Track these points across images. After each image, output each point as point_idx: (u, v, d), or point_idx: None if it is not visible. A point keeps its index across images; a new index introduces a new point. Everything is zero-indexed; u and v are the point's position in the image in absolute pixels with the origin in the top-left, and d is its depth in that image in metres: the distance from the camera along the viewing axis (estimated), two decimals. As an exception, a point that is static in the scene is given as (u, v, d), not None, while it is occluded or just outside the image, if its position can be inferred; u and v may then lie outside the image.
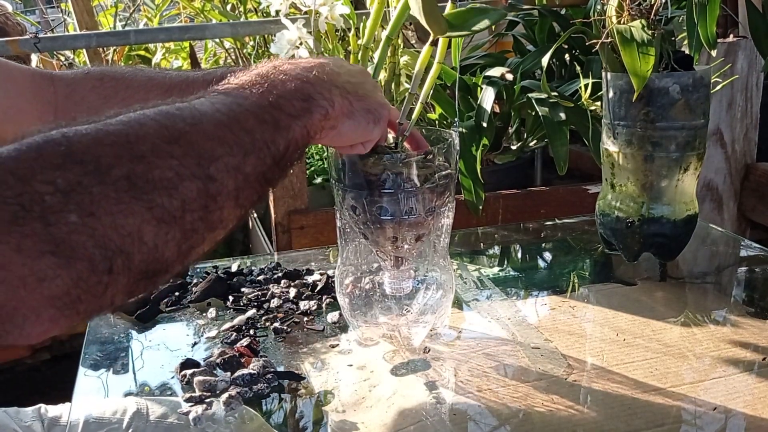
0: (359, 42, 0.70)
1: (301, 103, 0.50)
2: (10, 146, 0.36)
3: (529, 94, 1.22)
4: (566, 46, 1.33)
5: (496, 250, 1.10)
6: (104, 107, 0.72)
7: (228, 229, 0.44)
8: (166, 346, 0.78)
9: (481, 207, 1.21)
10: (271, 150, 0.46)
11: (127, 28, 2.25)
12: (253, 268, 0.98)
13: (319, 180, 1.53)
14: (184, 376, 0.71)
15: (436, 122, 1.33)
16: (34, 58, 2.12)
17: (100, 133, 0.39)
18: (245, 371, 0.70)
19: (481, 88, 1.26)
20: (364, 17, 0.69)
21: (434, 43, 0.66)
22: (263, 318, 0.83)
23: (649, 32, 0.78)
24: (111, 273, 0.37)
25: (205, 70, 0.76)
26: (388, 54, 1.01)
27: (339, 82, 0.55)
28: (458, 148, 0.70)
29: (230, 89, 0.48)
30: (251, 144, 0.45)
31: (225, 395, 0.66)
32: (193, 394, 0.67)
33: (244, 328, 0.81)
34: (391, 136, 0.70)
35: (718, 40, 1.29)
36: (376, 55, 0.71)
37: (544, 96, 1.17)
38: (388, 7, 0.72)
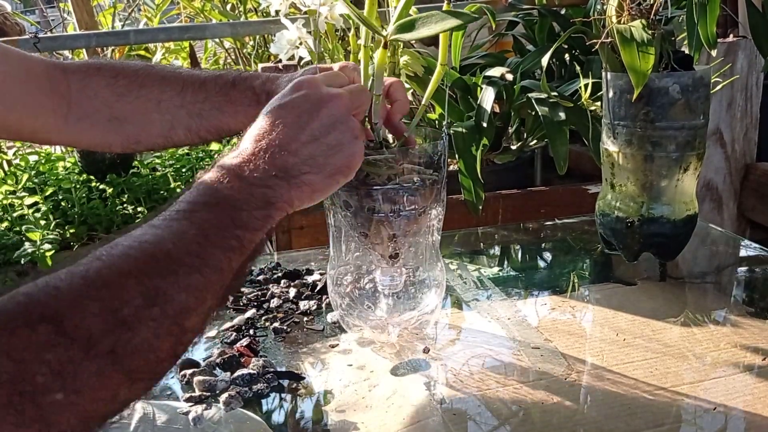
0: (359, 42, 0.70)
1: (262, 211, 0.52)
2: (1, 317, 0.38)
3: (529, 94, 1.22)
4: (566, 46, 1.33)
5: (496, 250, 1.10)
6: (117, 104, 0.74)
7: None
8: (166, 346, 0.78)
9: (481, 207, 1.21)
10: (233, 273, 0.49)
11: (126, 28, 2.25)
12: (252, 268, 0.97)
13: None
14: (184, 376, 0.71)
15: (436, 122, 1.33)
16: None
17: (88, 300, 0.41)
18: (245, 371, 0.70)
19: (481, 88, 1.26)
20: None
21: (385, 46, 0.66)
22: (263, 318, 0.83)
23: (649, 32, 0.78)
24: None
25: (216, 72, 0.76)
26: (388, 54, 1.01)
27: (296, 167, 0.54)
28: (446, 149, 0.69)
29: (195, 210, 0.49)
30: (218, 281, 0.47)
31: (225, 395, 0.66)
32: (193, 394, 0.67)
33: (243, 327, 0.81)
34: (390, 135, 0.70)
35: (718, 40, 1.29)
36: (376, 55, 0.71)
37: (544, 96, 1.17)
38: (388, 6, 0.71)
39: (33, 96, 0.70)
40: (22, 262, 1.56)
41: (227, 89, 0.74)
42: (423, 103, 0.72)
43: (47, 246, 1.58)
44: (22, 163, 1.88)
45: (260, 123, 0.56)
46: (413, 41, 1.60)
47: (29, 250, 1.55)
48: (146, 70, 0.76)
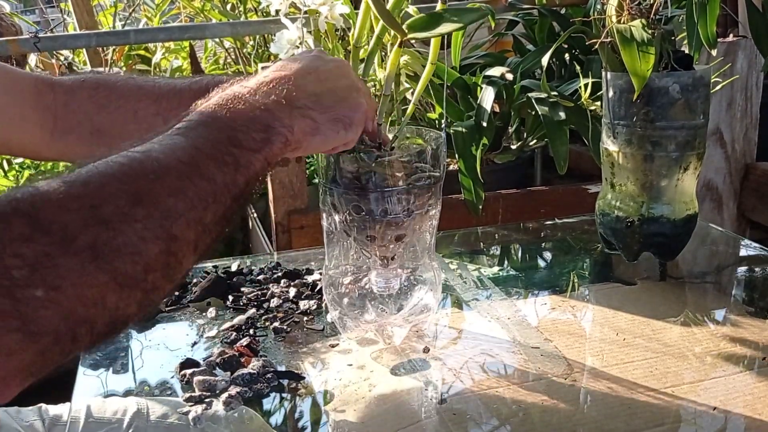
0: (363, 41, 0.70)
1: (261, 134, 0.51)
2: None
3: (529, 94, 1.22)
4: (566, 46, 1.33)
5: (496, 250, 1.10)
6: (98, 116, 0.74)
7: (186, 273, 0.46)
8: (166, 346, 0.78)
9: (481, 207, 1.21)
10: (231, 191, 0.47)
11: (127, 28, 2.25)
12: (252, 267, 0.98)
13: (319, 180, 1.52)
14: (184, 375, 0.71)
15: (437, 122, 1.33)
16: (33, 58, 2.12)
17: (66, 198, 0.39)
18: (245, 371, 0.70)
19: (481, 88, 1.26)
20: (372, 16, 0.69)
21: (401, 45, 0.65)
22: (263, 318, 0.83)
23: (649, 32, 0.78)
24: (74, 341, 0.38)
25: (191, 78, 0.77)
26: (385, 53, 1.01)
27: (301, 99, 0.54)
28: (445, 149, 0.69)
29: (190, 126, 0.48)
30: (212, 193, 0.46)
31: (225, 395, 0.66)
32: (193, 394, 0.67)
33: (243, 327, 0.81)
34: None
35: (718, 40, 1.29)
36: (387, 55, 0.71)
37: (543, 96, 1.17)
38: (402, 6, 0.71)
39: (19, 109, 0.71)
40: None
41: (201, 95, 0.74)
42: (413, 99, 0.72)
43: None
44: (27, 162, 1.88)
45: (269, 68, 0.57)
46: (413, 41, 1.60)
47: None
48: (125, 81, 0.76)
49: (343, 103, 0.57)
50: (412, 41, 1.66)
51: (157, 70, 2.33)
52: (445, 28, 0.63)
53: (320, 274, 0.93)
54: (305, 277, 0.94)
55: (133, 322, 0.42)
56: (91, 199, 0.40)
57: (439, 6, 0.65)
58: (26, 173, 1.82)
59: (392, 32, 0.72)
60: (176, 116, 0.73)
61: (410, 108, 0.71)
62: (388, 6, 0.68)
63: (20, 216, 0.38)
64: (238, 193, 0.48)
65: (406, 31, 0.65)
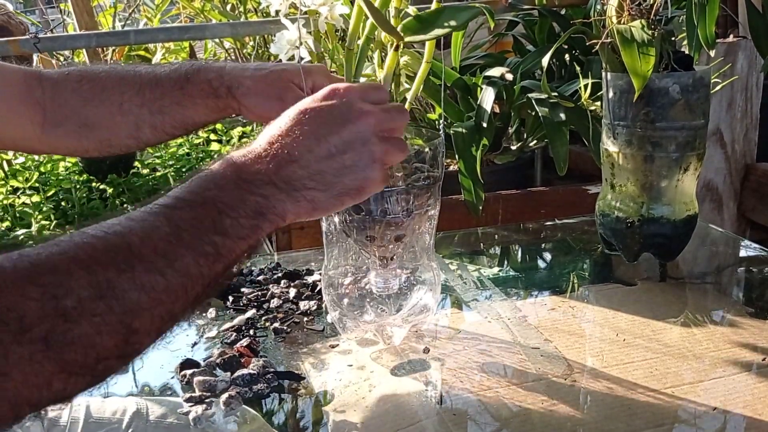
0: (359, 42, 0.70)
1: (250, 220, 0.48)
2: None
3: (529, 95, 1.22)
4: (566, 46, 1.33)
5: (496, 250, 1.10)
6: (85, 109, 0.74)
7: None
8: (166, 346, 0.78)
9: (481, 207, 1.21)
10: (206, 281, 0.46)
11: (126, 28, 2.25)
12: (252, 268, 0.97)
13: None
14: (184, 376, 0.71)
15: (436, 122, 1.33)
16: (34, 59, 2.12)
17: (29, 283, 0.39)
18: (245, 371, 0.70)
19: (481, 88, 1.26)
20: (364, 17, 0.69)
21: (397, 48, 0.65)
22: (263, 318, 0.83)
23: (649, 32, 0.78)
24: (17, 419, 0.39)
25: (172, 64, 0.76)
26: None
27: (302, 180, 0.51)
28: (443, 150, 0.69)
29: (177, 206, 0.46)
30: (183, 286, 0.44)
31: (225, 395, 0.66)
32: (193, 394, 0.67)
33: (243, 328, 0.81)
34: None
35: (718, 41, 1.29)
36: (376, 56, 0.71)
37: (544, 96, 1.17)
38: (388, 7, 0.71)
39: (9, 104, 0.71)
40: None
41: (182, 83, 0.73)
42: (410, 99, 0.72)
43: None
44: (28, 163, 1.88)
45: (280, 123, 0.53)
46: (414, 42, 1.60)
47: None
48: (107, 73, 0.75)
49: (350, 177, 0.53)
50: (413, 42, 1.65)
51: (158, 70, 2.33)
52: (439, 30, 0.63)
53: (320, 274, 0.93)
54: (305, 277, 0.94)
55: (79, 395, 0.42)
56: (54, 289, 0.39)
57: (434, 5, 0.65)
58: (33, 175, 1.82)
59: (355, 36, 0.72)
60: (161, 106, 0.73)
61: (407, 107, 0.71)
62: (391, 7, 0.68)
63: None
64: (212, 280, 0.47)
65: (402, 34, 0.64)
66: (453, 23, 0.63)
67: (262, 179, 0.50)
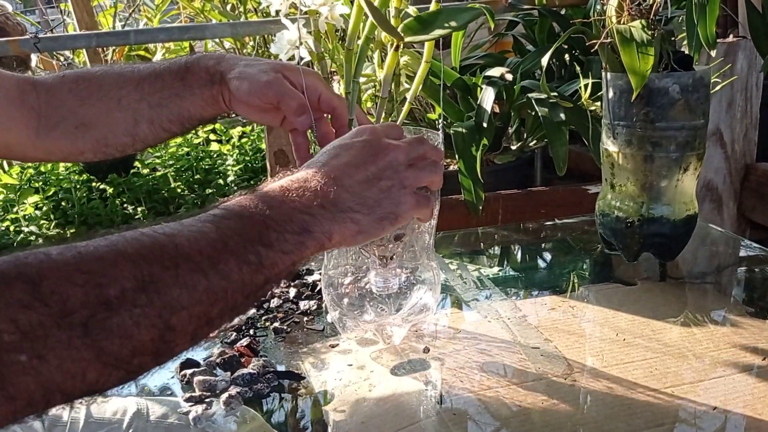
0: (358, 42, 0.70)
1: (296, 236, 0.50)
2: None
3: (529, 94, 1.22)
4: (566, 46, 1.33)
5: (496, 250, 1.10)
6: (81, 109, 0.73)
7: (177, 357, 0.46)
8: (166, 346, 0.78)
9: (481, 207, 1.21)
10: (246, 290, 0.47)
11: (127, 28, 2.25)
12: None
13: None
14: (184, 375, 0.71)
15: (436, 122, 1.33)
16: (34, 59, 2.12)
17: (75, 270, 0.40)
18: (245, 371, 0.70)
19: (481, 88, 1.26)
20: (363, 17, 0.69)
21: (398, 48, 0.65)
22: (263, 318, 0.83)
23: (649, 32, 0.78)
24: (47, 406, 0.39)
25: (171, 59, 0.76)
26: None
27: (346, 202, 0.53)
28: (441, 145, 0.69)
29: (225, 216, 0.48)
30: (224, 290, 0.45)
31: (225, 395, 0.66)
32: (193, 394, 0.67)
33: (244, 327, 0.81)
34: None
35: (718, 40, 1.29)
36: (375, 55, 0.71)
37: (543, 96, 1.17)
38: (388, 7, 0.71)
39: (3, 109, 0.70)
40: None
41: (182, 73, 0.73)
42: (409, 98, 0.72)
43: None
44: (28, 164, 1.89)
45: (320, 157, 0.57)
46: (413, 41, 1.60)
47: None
48: (104, 71, 0.75)
49: (387, 201, 0.56)
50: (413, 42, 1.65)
51: (157, 70, 2.33)
52: (439, 31, 0.63)
53: (320, 274, 0.93)
54: (305, 277, 0.94)
55: (110, 392, 0.43)
56: (99, 277, 0.40)
57: (433, 6, 0.65)
58: (29, 172, 1.82)
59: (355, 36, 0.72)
60: (160, 99, 0.73)
61: (406, 107, 0.71)
62: (391, 7, 0.69)
63: (23, 281, 0.38)
64: (253, 290, 0.47)
65: (402, 34, 0.64)
66: (453, 24, 0.63)
67: (309, 201, 0.52)
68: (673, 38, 0.84)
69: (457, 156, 1.19)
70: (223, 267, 0.45)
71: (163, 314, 0.42)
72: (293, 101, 0.69)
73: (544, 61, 1.06)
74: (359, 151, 0.57)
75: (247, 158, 2.06)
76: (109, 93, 0.73)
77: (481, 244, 1.13)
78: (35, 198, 1.77)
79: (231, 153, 2.08)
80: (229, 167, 2.03)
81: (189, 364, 0.73)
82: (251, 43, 2.10)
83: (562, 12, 1.42)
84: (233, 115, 0.76)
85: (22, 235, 1.64)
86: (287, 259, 0.49)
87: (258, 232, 0.48)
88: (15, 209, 1.73)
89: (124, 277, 0.41)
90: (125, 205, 1.88)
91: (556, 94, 1.17)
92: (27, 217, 1.70)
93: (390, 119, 0.76)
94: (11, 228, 1.68)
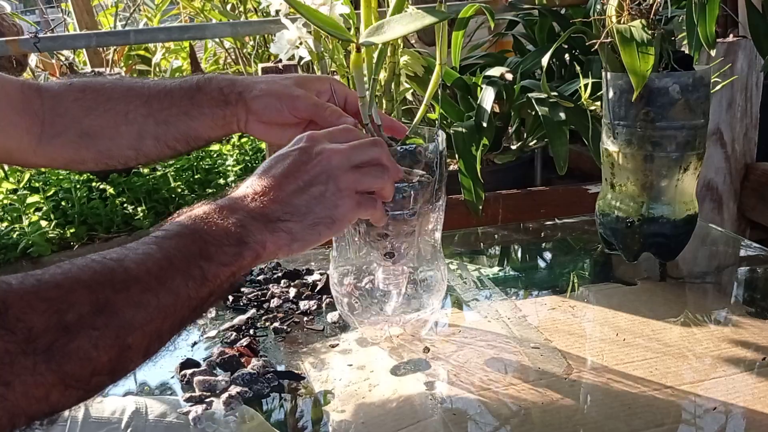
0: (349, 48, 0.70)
1: (233, 248, 0.52)
2: None
3: (529, 94, 1.22)
4: (566, 46, 1.33)
5: (496, 250, 1.10)
6: (87, 119, 0.73)
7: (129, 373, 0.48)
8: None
9: (481, 207, 1.21)
10: (192, 304, 0.49)
11: (127, 28, 2.25)
12: (252, 267, 0.97)
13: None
14: (184, 375, 0.71)
15: (436, 122, 1.33)
16: (34, 59, 2.12)
17: (36, 299, 0.41)
18: (245, 371, 0.70)
19: (481, 88, 1.26)
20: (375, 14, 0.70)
21: (358, 50, 0.66)
22: (263, 318, 0.83)
23: (649, 32, 0.78)
24: (12, 429, 0.40)
25: (182, 78, 0.76)
26: (388, 54, 1.01)
27: (276, 212, 0.56)
28: (438, 154, 0.69)
29: (167, 236, 0.50)
30: (173, 305, 0.47)
31: (225, 395, 0.66)
32: (193, 394, 0.67)
33: (243, 327, 0.81)
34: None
35: (718, 40, 1.29)
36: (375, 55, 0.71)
37: (544, 96, 1.17)
38: (388, 7, 0.71)
39: (5, 114, 0.70)
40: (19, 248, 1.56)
41: (192, 92, 0.73)
42: (424, 103, 0.72)
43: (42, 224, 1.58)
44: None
45: (257, 171, 0.59)
46: (414, 41, 1.60)
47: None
48: (113, 83, 0.75)
49: (320, 207, 0.57)
50: (413, 42, 1.65)
51: (157, 70, 2.33)
52: (389, 34, 0.64)
53: (320, 274, 0.93)
54: (305, 277, 0.94)
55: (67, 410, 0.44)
56: (59, 303, 0.42)
57: (437, 6, 0.65)
58: (27, 175, 1.82)
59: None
60: (168, 117, 0.73)
61: (422, 109, 0.71)
62: (391, 8, 0.69)
63: None
64: (198, 304, 0.50)
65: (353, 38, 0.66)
66: (409, 27, 0.64)
67: (242, 215, 0.54)
68: (673, 38, 0.84)
69: (457, 156, 1.19)
70: (171, 284, 0.48)
71: (119, 334, 0.44)
72: (326, 111, 0.70)
73: (544, 60, 1.06)
74: (293, 161, 0.58)
75: (247, 158, 2.06)
76: (116, 106, 0.73)
77: (481, 244, 1.13)
78: (35, 198, 1.77)
79: (231, 153, 2.08)
80: (229, 167, 2.03)
81: (189, 364, 0.73)
82: (251, 42, 2.10)
83: (562, 12, 1.41)
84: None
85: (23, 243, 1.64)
86: (227, 271, 0.52)
87: (198, 248, 0.50)
88: (18, 215, 1.73)
89: (80, 303, 0.43)
90: (125, 205, 1.88)
91: (556, 93, 1.17)
92: (31, 224, 1.70)
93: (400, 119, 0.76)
94: (14, 235, 1.68)
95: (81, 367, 0.42)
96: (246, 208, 0.55)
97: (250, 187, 0.57)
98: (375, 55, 0.71)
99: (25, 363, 0.39)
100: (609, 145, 0.87)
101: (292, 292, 0.89)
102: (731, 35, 1.38)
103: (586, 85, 1.08)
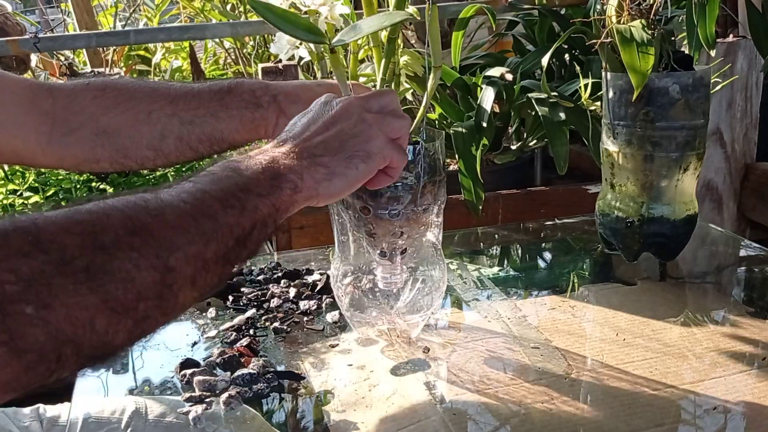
0: (358, 42, 0.70)
1: (270, 181, 0.52)
2: None
3: (529, 94, 1.22)
4: (566, 46, 1.33)
5: (496, 250, 1.10)
6: (105, 117, 0.73)
7: (184, 310, 0.46)
8: (166, 346, 0.78)
9: (481, 207, 1.21)
10: (234, 232, 0.48)
11: (127, 28, 2.25)
12: (252, 267, 0.97)
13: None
14: (184, 375, 0.71)
15: (436, 122, 1.33)
16: (34, 58, 2.12)
17: (68, 221, 0.41)
18: (245, 371, 0.70)
19: (481, 88, 1.26)
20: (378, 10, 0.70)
21: (332, 51, 0.68)
22: (263, 318, 0.83)
23: (649, 32, 0.78)
24: (59, 361, 0.38)
25: (211, 81, 0.76)
26: (352, 56, 1.02)
27: (309, 150, 0.56)
28: (423, 156, 0.69)
29: (200, 175, 0.50)
30: (213, 230, 0.46)
31: (225, 395, 0.66)
32: (193, 394, 0.67)
33: (243, 327, 0.81)
34: None
35: (718, 40, 1.29)
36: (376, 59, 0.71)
37: (543, 96, 1.17)
38: (388, 7, 0.72)
39: (12, 114, 0.70)
40: None
41: (222, 94, 0.73)
42: (423, 104, 0.72)
43: None
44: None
45: (286, 127, 0.60)
46: (414, 41, 1.60)
47: None
48: (136, 83, 0.75)
49: (353, 140, 0.57)
50: (413, 42, 1.65)
51: (157, 70, 2.33)
52: (359, 33, 0.66)
53: (320, 274, 0.93)
54: (305, 277, 0.94)
55: (123, 350, 0.42)
56: (92, 226, 0.41)
57: (427, 7, 0.65)
58: (30, 176, 1.82)
59: (384, 33, 0.72)
60: (194, 117, 0.73)
61: (421, 111, 0.71)
62: (391, 6, 0.69)
63: (21, 233, 0.38)
64: (242, 234, 0.49)
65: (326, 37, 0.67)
66: (379, 25, 0.65)
67: (275, 153, 0.54)
68: (673, 38, 0.84)
69: (457, 156, 1.19)
70: (208, 210, 0.47)
71: (160, 254, 0.43)
72: None
73: (545, 60, 1.06)
74: (315, 111, 0.60)
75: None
76: (139, 105, 0.73)
77: (481, 244, 1.13)
78: (35, 198, 1.76)
79: (231, 152, 2.08)
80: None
81: (189, 364, 0.73)
82: (251, 42, 2.10)
83: (562, 12, 1.41)
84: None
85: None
86: (267, 202, 0.51)
87: (234, 181, 0.50)
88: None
89: (115, 225, 0.42)
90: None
91: (556, 93, 1.17)
92: None
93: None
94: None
95: (125, 289, 0.40)
96: (279, 149, 0.55)
97: (276, 139, 0.58)
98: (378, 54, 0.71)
99: (63, 283, 0.38)
100: (609, 145, 0.87)
101: (292, 292, 0.89)
102: (731, 35, 1.38)
103: (586, 85, 1.08)
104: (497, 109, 1.32)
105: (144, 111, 0.73)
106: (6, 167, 1.86)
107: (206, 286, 0.47)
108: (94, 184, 1.90)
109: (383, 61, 0.70)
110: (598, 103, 1.09)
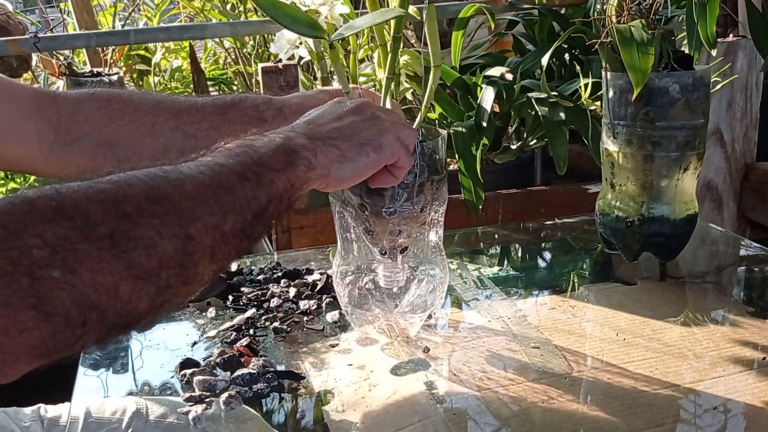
0: (358, 42, 0.70)
1: (284, 157, 0.53)
2: (3, 199, 0.39)
3: (529, 94, 1.22)
4: (566, 46, 1.33)
5: (496, 249, 1.10)
6: (109, 127, 0.73)
7: (203, 283, 0.47)
8: (166, 346, 0.78)
9: (481, 207, 1.21)
10: (252, 206, 0.49)
11: (126, 28, 2.25)
12: (252, 267, 0.97)
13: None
14: (184, 375, 0.71)
15: (436, 122, 1.33)
16: (34, 58, 2.12)
17: (91, 190, 0.41)
18: (245, 371, 0.70)
19: (481, 88, 1.26)
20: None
21: (331, 46, 0.70)
22: (263, 317, 0.83)
23: (649, 32, 0.78)
24: (84, 326, 0.39)
25: (214, 96, 0.77)
26: (343, 53, 1.02)
27: (322, 133, 0.57)
28: (419, 152, 0.69)
29: (217, 151, 0.51)
30: (231, 203, 0.47)
31: (225, 395, 0.66)
32: (193, 394, 0.67)
33: (243, 327, 0.81)
34: None
35: (718, 40, 1.29)
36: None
37: (543, 96, 1.17)
38: (388, 6, 0.72)
39: (14, 121, 0.70)
40: None
41: (225, 109, 0.74)
42: (424, 104, 0.72)
43: None
44: None
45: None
46: (414, 41, 1.60)
47: None
48: (141, 95, 0.76)
49: (366, 131, 0.59)
50: (413, 42, 1.65)
51: (157, 70, 2.33)
52: (355, 28, 0.67)
53: (320, 274, 0.93)
54: (305, 277, 0.93)
55: (144, 324, 0.43)
56: (114, 194, 0.42)
57: (425, 6, 0.66)
58: (32, 178, 1.82)
59: (384, 32, 0.72)
60: (197, 131, 0.73)
61: (422, 110, 0.71)
62: (393, 5, 0.69)
63: (45, 199, 0.39)
64: (259, 209, 0.50)
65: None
66: (373, 21, 0.67)
67: (288, 134, 0.55)
68: (673, 38, 0.84)
69: (457, 155, 1.19)
70: (226, 183, 0.48)
71: (181, 223, 0.44)
72: None
73: (544, 60, 1.06)
74: (329, 106, 0.62)
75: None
76: (143, 117, 0.73)
77: (481, 243, 1.13)
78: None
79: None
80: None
81: (189, 364, 0.73)
82: (251, 42, 2.10)
83: (562, 11, 1.41)
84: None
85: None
86: (282, 178, 0.52)
87: (249, 157, 0.51)
88: None
89: (137, 194, 0.42)
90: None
91: (556, 93, 1.17)
92: None
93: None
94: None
95: (148, 256, 0.41)
96: (294, 129, 0.57)
97: (291, 125, 0.59)
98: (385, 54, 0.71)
99: (88, 249, 0.39)
100: (609, 144, 0.87)
101: (292, 291, 0.89)
102: (731, 35, 1.38)
103: (586, 85, 1.08)
104: (497, 109, 1.32)
105: (148, 123, 0.73)
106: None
107: (224, 259, 0.48)
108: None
109: (389, 57, 0.70)
110: (598, 103, 1.09)
